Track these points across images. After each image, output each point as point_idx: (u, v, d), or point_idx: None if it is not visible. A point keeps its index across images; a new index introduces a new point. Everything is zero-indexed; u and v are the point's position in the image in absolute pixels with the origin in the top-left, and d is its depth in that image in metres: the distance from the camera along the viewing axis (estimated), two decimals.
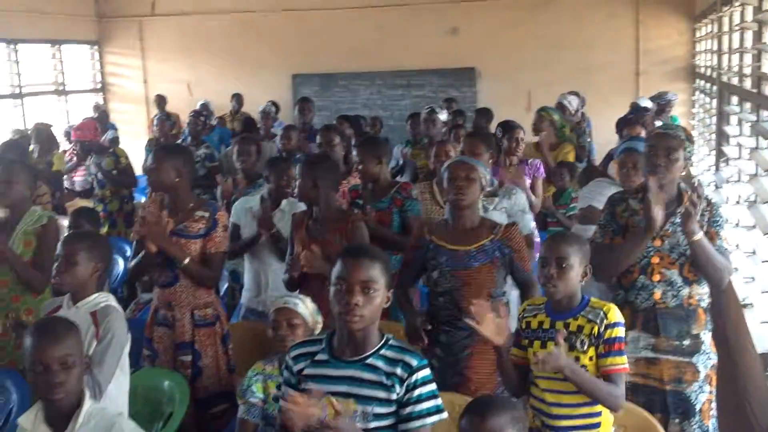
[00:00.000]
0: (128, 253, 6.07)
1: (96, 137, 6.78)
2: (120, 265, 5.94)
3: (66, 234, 3.79)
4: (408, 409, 2.34)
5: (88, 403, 2.46)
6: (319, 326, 3.45)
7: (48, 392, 2.38)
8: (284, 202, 4.69)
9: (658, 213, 3.18)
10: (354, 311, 2.31)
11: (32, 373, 2.41)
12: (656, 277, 3.32)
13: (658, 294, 3.32)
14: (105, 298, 3.24)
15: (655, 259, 3.32)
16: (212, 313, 3.96)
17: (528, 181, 5.51)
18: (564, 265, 2.83)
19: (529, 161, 5.68)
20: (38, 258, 4.00)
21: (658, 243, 3.31)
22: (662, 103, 8.47)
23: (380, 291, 2.36)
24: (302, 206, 4.82)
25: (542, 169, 5.71)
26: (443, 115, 7.40)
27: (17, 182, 4.09)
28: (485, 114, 8.62)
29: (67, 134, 8.71)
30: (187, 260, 3.79)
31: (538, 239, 4.93)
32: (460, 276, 3.48)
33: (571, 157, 6.62)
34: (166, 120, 8.97)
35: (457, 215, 3.58)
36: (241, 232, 4.67)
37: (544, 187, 5.84)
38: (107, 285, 5.22)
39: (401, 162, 7.61)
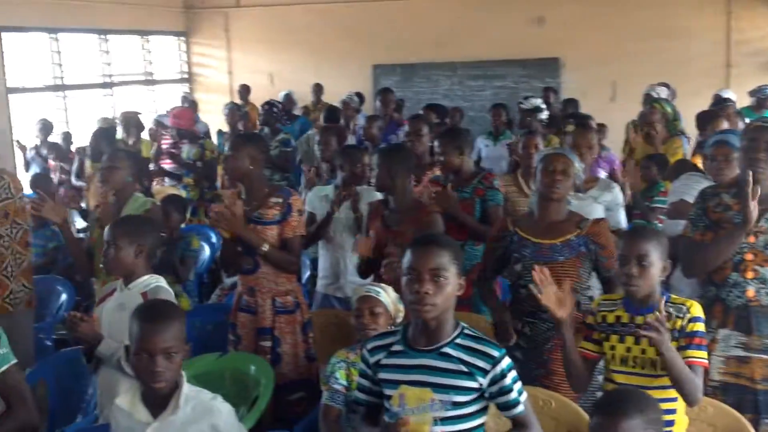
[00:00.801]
0: (213, 239, 6.21)
1: (191, 126, 6.95)
2: (206, 251, 6.07)
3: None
4: (502, 400, 2.37)
5: (186, 387, 2.51)
6: (401, 315, 3.46)
7: (150, 379, 2.44)
8: (357, 188, 4.74)
9: (754, 208, 3.09)
10: (425, 300, 2.31)
11: (136, 358, 2.47)
12: (750, 275, 3.23)
13: (751, 292, 3.23)
14: (155, 279, 3.33)
15: (749, 256, 3.23)
16: (293, 300, 4.00)
17: (604, 175, 5.41)
18: (644, 263, 2.78)
19: (603, 153, 5.58)
20: None
21: (752, 239, 3.21)
22: (762, 97, 8.17)
23: (451, 279, 2.35)
24: (377, 194, 4.87)
25: (618, 162, 5.59)
26: (542, 114, 7.31)
27: (121, 169, 4.23)
28: (574, 105, 8.51)
29: (157, 122, 8.92)
30: (265, 246, 3.85)
31: None
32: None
33: (680, 153, 6.45)
34: (236, 110, 9.12)
35: (544, 207, 3.52)
36: (316, 220, 4.72)
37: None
38: (192, 270, 5.36)
39: (482, 154, 7.57)
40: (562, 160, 3.51)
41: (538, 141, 4.95)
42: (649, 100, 7.07)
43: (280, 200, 3.92)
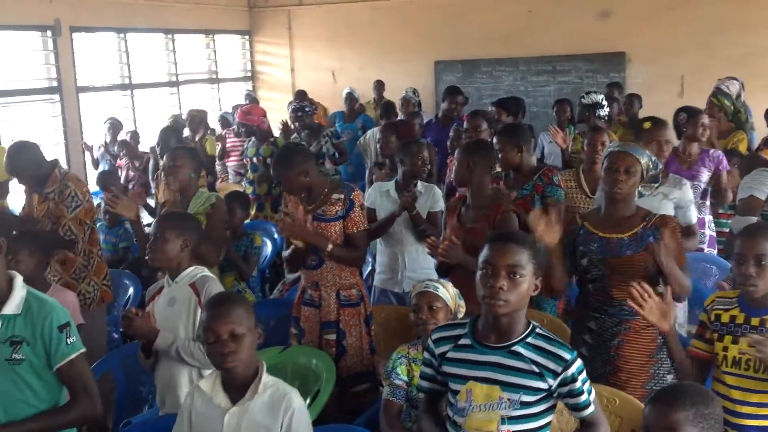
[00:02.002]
0: (276, 235, 6.28)
1: (262, 124, 7.03)
2: (268, 246, 6.14)
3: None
4: (572, 401, 2.35)
5: (265, 376, 2.55)
6: (462, 311, 3.45)
7: (220, 361, 2.49)
8: (419, 184, 4.72)
9: None
10: (498, 295, 2.30)
11: (207, 343, 2.52)
12: None
13: None
14: (200, 270, 3.40)
15: None
16: (357, 293, 4.02)
17: (707, 174, 5.25)
18: (763, 263, 2.73)
19: (711, 152, 5.37)
20: (209, 234, 4.09)
21: None
22: None
23: (527, 277, 2.33)
24: (438, 190, 4.84)
25: (725, 161, 5.40)
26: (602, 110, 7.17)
27: (184, 166, 4.31)
28: (638, 101, 8.35)
29: (223, 120, 9.04)
30: (330, 247, 3.86)
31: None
32: (611, 264, 3.37)
33: (742, 146, 6.29)
34: (298, 110, 9.15)
35: (610, 203, 3.45)
36: (376, 216, 4.72)
37: None
38: (256, 267, 5.42)
39: (545, 150, 7.47)
40: (626, 158, 3.41)
41: (604, 138, 4.87)
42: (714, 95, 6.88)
43: (342, 196, 3.93)
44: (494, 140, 4.64)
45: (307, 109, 7.58)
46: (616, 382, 3.32)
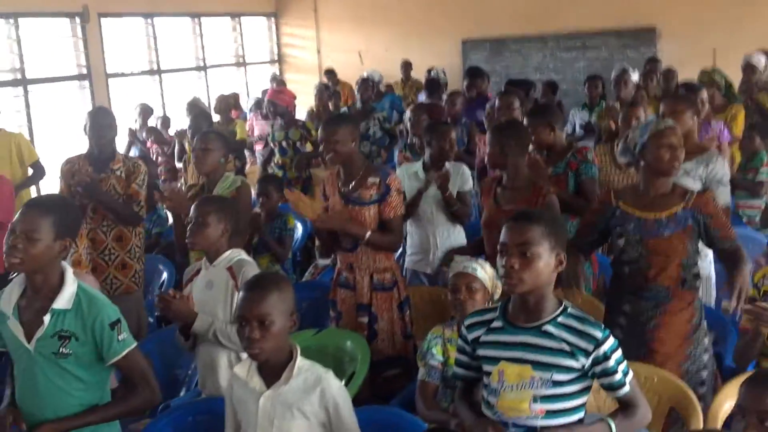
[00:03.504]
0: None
1: (291, 107, 7.03)
2: (299, 230, 6.14)
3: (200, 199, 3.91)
4: (606, 381, 2.33)
5: (299, 359, 2.53)
6: (498, 291, 3.42)
7: (247, 346, 2.47)
8: (447, 164, 4.69)
9: None
10: (510, 274, 2.29)
11: (238, 326, 2.50)
12: None
13: None
14: (237, 253, 3.39)
15: None
16: (390, 278, 4.00)
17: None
18: None
19: (712, 124, 5.31)
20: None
21: None
22: None
23: (542, 254, 2.30)
24: (467, 170, 4.81)
25: (727, 132, 5.32)
26: (635, 76, 7.11)
27: (213, 150, 4.30)
28: (675, 75, 8.23)
29: (257, 103, 9.05)
30: (368, 234, 3.86)
31: None
32: (648, 245, 3.30)
33: (740, 119, 6.18)
34: (324, 90, 9.15)
35: (651, 181, 3.35)
36: (405, 198, 4.69)
37: None
38: (290, 249, 5.43)
39: (577, 126, 7.40)
40: (677, 133, 3.36)
41: (639, 112, 4.80)
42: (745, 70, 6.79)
43: (377, 180, 3.91)
44: (525, 120, 4.59)
45: (371, 83, 7.51)
46: (651, 365, 3.26)
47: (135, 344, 2.67)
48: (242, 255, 3.38)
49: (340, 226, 3.86)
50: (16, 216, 2.56)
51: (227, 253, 3.37)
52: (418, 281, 4.74)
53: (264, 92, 8.77)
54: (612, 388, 2.34)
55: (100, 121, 4.66)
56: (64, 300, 2.56)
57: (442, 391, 3.35)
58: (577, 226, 4.14)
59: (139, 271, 4.80)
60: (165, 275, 5.54)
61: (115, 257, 4.65)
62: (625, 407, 2.39)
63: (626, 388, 2.34)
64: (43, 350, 2.56)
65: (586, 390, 2.36)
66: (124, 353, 2.61)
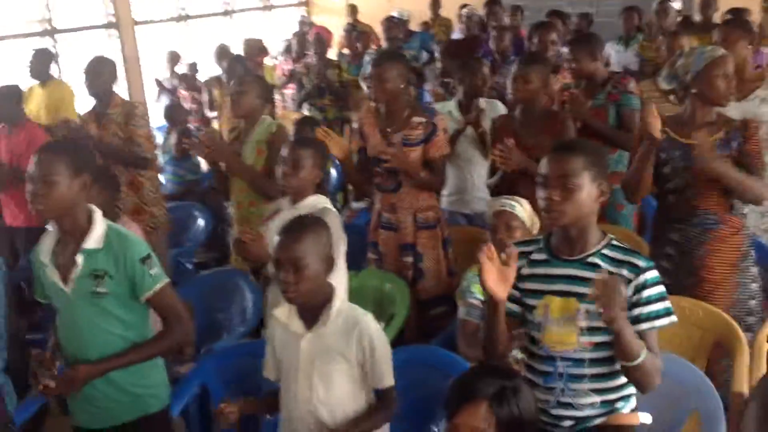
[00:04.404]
0: (338, 162, 6.25)
1: (329, 46, 6.95)
2: (333, 173, 6.12)
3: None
4: (636, 311, 2.25)
5: (338, 301, 2.52)
6: (537, 228, 3.38)
7: (282, 289, 2.46)
8: (481, 101, 4.61)
9: None
10: (552, 207, 2.24)
11: (274, 269, 2.50)
12: None
13: None
14: (323, 201, 3.33)
15: None
16: (433, 216, 3.99)
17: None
18: None
19: (765, 51, 5.13)
20: (271, 164, 4.06)
21: None
22: None
23: (584, 186, 2.24)
24: (501, 106, 4.73)
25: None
26: (677, 4, 6.89)
27: (251, 92, 4.23)
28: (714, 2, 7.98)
29: (287, 47, 8.96)
30: (423, 173, 3.83)
31: None
32: (695, 172, 3.24)
33: None
34: (351, 31, 9.00)
35: (698, 109, 3.27)
36: None
37: None
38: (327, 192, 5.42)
39: (612, 60, 7.22)
40: (731, 61, 3.26)
41: (682, 41, 4.66)
42: None
43: (424, 120, 3.86)
44: (565, 50, 4.49)
45: (395, 20, 7.41)
46: (700, 294, 3.25)
47: (167, 280, 2.68)
48: (327, 204, 3.32)
49: (401, 165, 3.82)
50: (31, 165, 2.55)
51: (312, 198, 3.31)
52: (455, 221, 4.70)
53: (295, 34, 8.66)
54: (640, 320, 2.24)
55: (92, 70, 4.67)
56: (94, 239, 2.57)
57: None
58: (618, 159, 4.10)
59: (158, 215, 4.78)
60: (201, 222, 5.58)
61: (128, 202, 4.64)
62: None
63: (651, 325, 2.25)
64: (80, 291, 2.59)
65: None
66: (155, 288, 2.62)
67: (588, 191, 2.25)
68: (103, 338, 2.61)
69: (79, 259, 2.57)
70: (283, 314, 2.58)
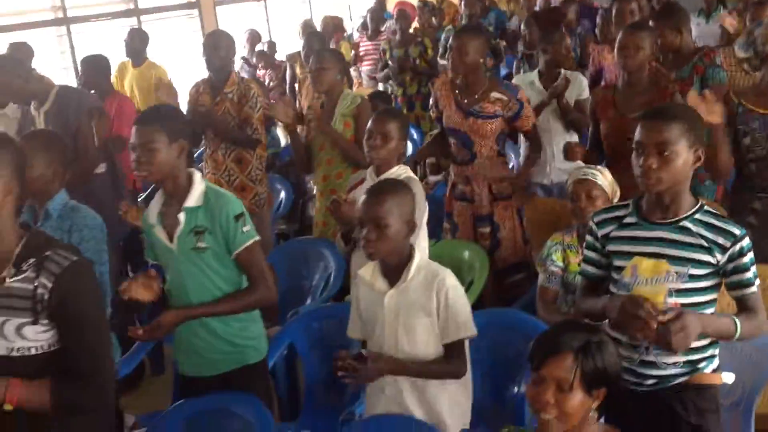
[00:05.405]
0: (415, 136, 6.33)
1: (413, 21, 7.00)
2: (409, 147, 6.20)
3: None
4: (735, 278, 2.31)
5: (417, 258, 2.65)
6: (617, 196, 3.40)
7: (363, 245, 2.60)
8: (563, 72, 4.63)
9: None
10: (649, 174, 2.26)
11: (360, 228, 2.64)
12: None
13: None
14: (404, 170, 3.43)
15: None
16: (508, 186, 4.05)
17: None
18: None
19: None
20: (359, 136, 4.13)
21: None
22: None
23: (681, 152, 2.26)
24: (582, 78, 4.72)
25: None
26: None
27: (331, 68, 4.33)
28: None
29: (363, 23, 9.05)
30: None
31: None
32: None
33: None
34: (423, 7, 9.02)
35: None
36: None
37: None
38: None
39: (693, 33, 7.08)
40: None
41: None
42: None
43: (505, 98, 3.95)
44: (650, 22, 4.44)
45: None
46: None
47: (257, 239, 2.81)
48: (409, 172, 3.42)
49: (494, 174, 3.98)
50: (132, 135, 2.72)
51: (395, 168, 3.41)
52: (531, 193, 4.74)
53: (369, 11, 8.73)
54: (740, 285, 2.32)
55: (209, 44, 4.70)
56: (194, 198, 2.73)
57: (562, 296, 3.39)
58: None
59: (261, 194, 4.80)
60: (283, 194, 5.74)
61: (235, 179, 4.70)
62: (745, 310, 2.35)
63: (753, 288, 2.32)
64: (184, 247, 2.75)
65: (717, 287, 2.36)
66: (246, 244, 2.75)
67: (684, 158, 2.28)
68: (205, 292, 2.78)
69: (182, 217, 2.73)
70: (368, 273, 2.70)
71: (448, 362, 2.63)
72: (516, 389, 3.14)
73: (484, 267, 3.83)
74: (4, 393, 1.96)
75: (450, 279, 2.63)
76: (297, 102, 6.72)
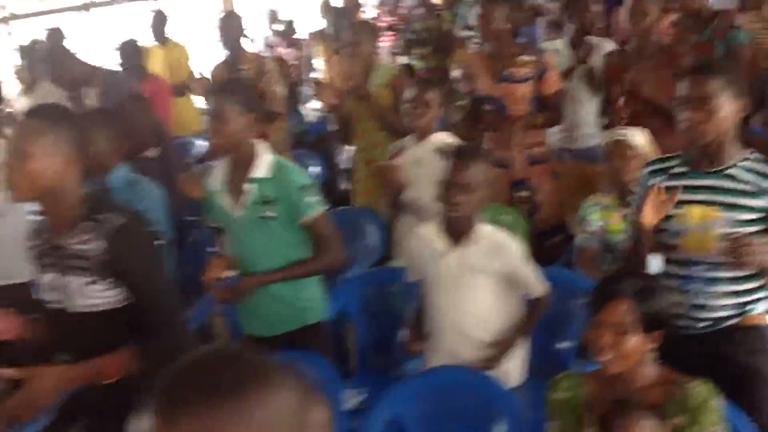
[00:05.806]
0: None
1: None
2: None
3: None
4: None
5: (481, 224, 2.80)
6: (652, 156, 3.49)
7: (447, 208, 2.74)
8: (590, 38, 4.72)
9: None
10: (693, 128, 2.35)
11: (443, 191, 2.75)
12: None
13: None
14: (445, 137, 3.55)
15: None
16: (543, 150, 4.17)
17: None
18: None
19: None
20: (398, 105, 4.18)
21: None
22: None
23: (723, 105, 2.34)
24: (610, 45, 4.80)
25: None
26: None
27: (365, 42, 4.46)
28: None
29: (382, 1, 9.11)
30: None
31: None
32: None
33: None
34: None
35: None
36: None
37: None
38: None
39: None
40: None
41: None
42: None
43: (532, 59, 4.04)
44: None
45: None
46: None
47: (323, 209, 2.92)
48: (449, 139, 3.53)
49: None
50: (206, 105, 2.82)
51: (437, 135, 3.54)
52: (561, 159, 4.84)
53: None
54: None
55: (221, 25, 4.89)
56: (263, 169, 2.83)
57: (601, 255, 3.49)
58: None
59: None
60: (314, 169, 5.83)
61: None
62: None
63: None
64: (251, 216, 2.85)
65: (766, 231, 2.43)
66: (312, 215, 2.85)
67: (728, 110, 2.36)
68: (271, 258, 2.89)
69: (249, 187, 2.84)
70: (430, 231, 2.83)
71: (529, 314, 2.85)
72: (561, 344, 3.27)
73: (522, 229, 3.94)
74: (100, 374, 2.13)
75: (514, 245, 2.80)
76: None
